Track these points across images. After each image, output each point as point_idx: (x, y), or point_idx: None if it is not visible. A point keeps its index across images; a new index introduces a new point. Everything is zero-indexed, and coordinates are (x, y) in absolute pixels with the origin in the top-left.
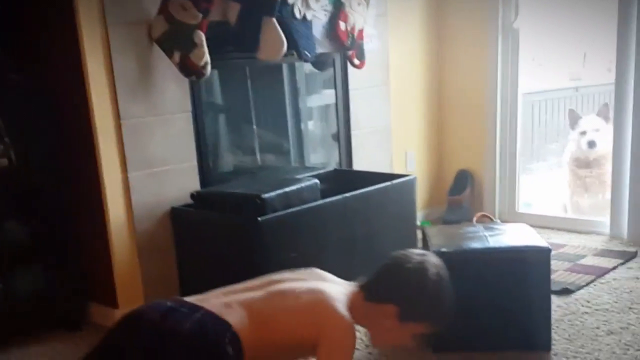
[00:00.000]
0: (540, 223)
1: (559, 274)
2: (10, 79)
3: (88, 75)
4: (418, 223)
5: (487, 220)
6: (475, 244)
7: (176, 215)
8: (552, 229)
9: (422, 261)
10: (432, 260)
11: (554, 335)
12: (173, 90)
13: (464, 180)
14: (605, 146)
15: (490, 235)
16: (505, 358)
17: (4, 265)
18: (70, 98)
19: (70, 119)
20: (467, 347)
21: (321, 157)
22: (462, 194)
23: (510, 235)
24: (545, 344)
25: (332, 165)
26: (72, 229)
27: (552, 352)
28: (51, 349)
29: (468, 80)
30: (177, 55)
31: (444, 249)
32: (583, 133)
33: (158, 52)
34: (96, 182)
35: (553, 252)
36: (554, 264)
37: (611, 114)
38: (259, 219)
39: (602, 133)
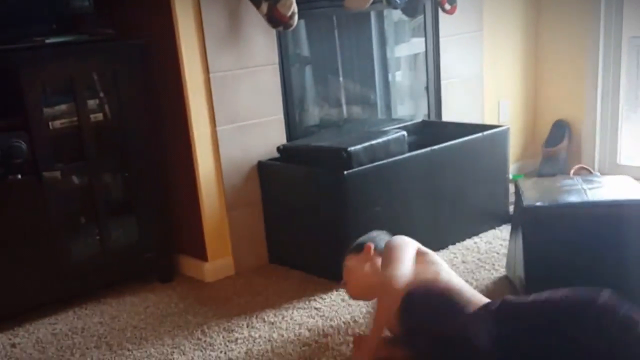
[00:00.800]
0: None
1: None
2: (102, 33)
3: (178, 29)
4: (510, 177)
5: (585, 172)
6: (573, 198)
7: (263, 169)
8: None
9: None
10: None
11: None
12: (260, 42)
13: (561, 131)
14: None
15: (589, 189)
16: None
17: (100, 217)
18: (160, 52)
19: (160, 73)
20: None
21: (409, 108)
22: (558, 145)
23: (610, 189)
24: None
25: (421, 116)
26: (164, 183)
27: None
28: (144, 299)
29: (567, 22)
30: (264, 6)
31: (538, 203)
32: None
33: (246, 4)
34: (186, 136)
35: None
36: None
37: None
38: (345, 172)
39: None
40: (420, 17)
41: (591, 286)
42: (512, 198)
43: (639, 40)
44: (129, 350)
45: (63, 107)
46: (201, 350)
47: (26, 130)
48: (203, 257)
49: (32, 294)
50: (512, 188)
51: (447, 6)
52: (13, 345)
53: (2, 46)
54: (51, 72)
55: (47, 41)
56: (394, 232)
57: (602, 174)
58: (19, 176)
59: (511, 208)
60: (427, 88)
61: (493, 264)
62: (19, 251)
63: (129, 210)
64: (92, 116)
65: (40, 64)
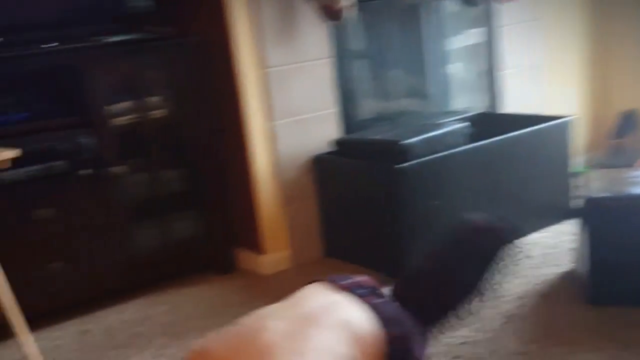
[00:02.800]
0: None
1: None
2: (162, 32)
3: (234, 25)
4: (574, 170)
5: None
6: None
7: (318, 162)
8: None
9: None
10: None
11: None
12: (315, 36)
13: (629, 122)
14: None
15: None
16: None
17: (161, 211)
18: (217, 49)
19: (218, 70)
20: (628, 301)
21: (467, 100)
22: (625, 137)
23: None
24: None
25: (479, 108)
26: (222, 177)
27: None
28: (202, 291)
29: (637, 6)
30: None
31: (604, 194)
32: None
33: None
34: (243, 132)
35: None
36: None
37: None
38: (396, 166)
39: None
40: (477, 8)
41: None
42: (576, 191)
43: None
44: (193, 338)
45: (125, 104)
46: None
47: (91, 128)
48: (260, 250)
49: (102, 282)
50: (577, 181)
51: None
52: (84, 332)
53: (67, 45)
54: (114, 70)
55: (110, 40)
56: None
57: None
58: (90, 171)
59: (575, 202)
60: (485, 79)
61: (557, 260)
62: (89, 242)
63: (189, 205)
64: (152, 113)
65: (104, 63)
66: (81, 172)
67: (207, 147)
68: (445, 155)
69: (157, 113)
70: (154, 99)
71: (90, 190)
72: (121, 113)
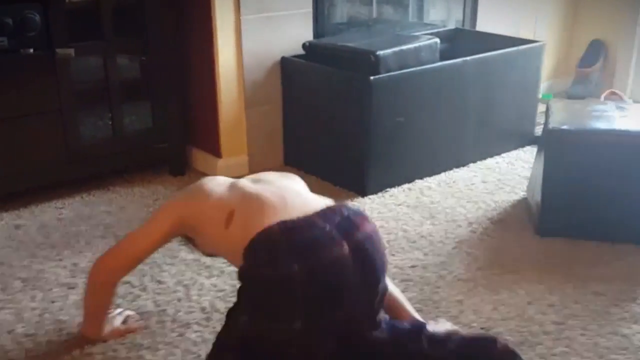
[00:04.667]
0: None
1: None
2: None
3: None
4: (539, 96)
5: (616, 98)
6: (602, 125)
7: (286, 65)
8: None
9: None
10: None
11: None
12: None
13: (596, 51)
14: None
15: (621, 117)
16: (615, 250)
17: (113, 100)
18: None
19: None
20: (575, 234)
21: (442, 12)
22: (592, 66)
23: None
24: None
25: (453, 21)
26: (183, 71)
27: None
28: (154, 191)
29: None
30: None
31: (564, 126)
32: None
33: None
34: (208, 23)
35: None
36: None
37: None
38: (371, 77)
39: None
40: None
41: (609, 215)
42: (540, 118)
43: None
44: None
45: None
46: None
47: (41, 2)
48: (217, 153)
49: (39, 174)
50: (541, 107)
51: None
52: (17, 227)
53: None
54: None
55: None
56: (416, 144)
57: (635, 100)
58: (31, 50)
59: (539, 129)
60: None
61: (513, 187)
62: (27, 129)
63: (144, 97)
64: None
65: None
66: (23, 51)
67: (169, 36)
68: (417, 71)
69: None
70: None
71: (32, 72)
72: None
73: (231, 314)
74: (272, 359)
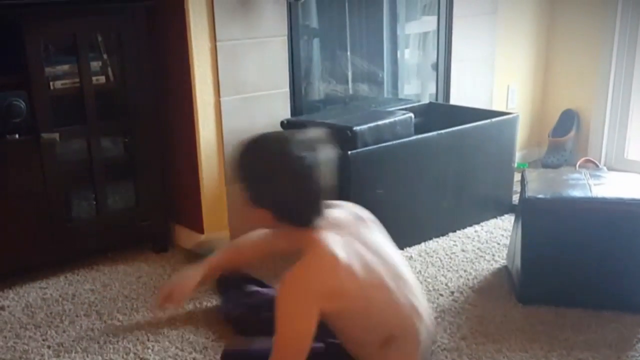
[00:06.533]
0: None
1: None
2: None
3: None
4: (515, 164)
5: (591, 165)
6: (577, 193)
7: None
8: None
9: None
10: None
11: None
12: (270, 12)
13: (569, 120)
14: None
15: (595, 185)
16: (598, 317)
17: (97, 181)
18: (168, 15)
19: (167, 37)
20: (557, 301)
21: (416, 88)
22: (565, 135)
23: (616, 186)
24: None
25: (427, 96)
26: (165, 150)
27: None
28: (138, 269)
29: (583, 10)
30: None
31: (540, 195)
32: None
33: None
34: (189, 105)
35: None
36: None
37: None
38: (349, 152)
39: None
40: None
41: (590, 282)
42: (516, 187)
43: None
44: (119, 320)
45: (65, 67)
46: (193, 325)
47: (26, 90)
48: (199, 229)
49: (24, 255)
50: (517, 177)
51: None
52: (2, 308)
53: (7, 0)
54: (55, 30)
55: None
56: (396, 215)
57: (609, 167)
58: (17, 136)
59: (515, 198)
60: (436, 68)
61: (493, 255)
62: (13, 212)
63: (127, 177)
64: (94, 78)
65: (44, 21)
66: (9, 136)
67: (150, 118)
68: (393, 145)
69: (99, 78)
70: (97, 64)
71: (17, 156)
72: (60, 76)
73: None
74: None
